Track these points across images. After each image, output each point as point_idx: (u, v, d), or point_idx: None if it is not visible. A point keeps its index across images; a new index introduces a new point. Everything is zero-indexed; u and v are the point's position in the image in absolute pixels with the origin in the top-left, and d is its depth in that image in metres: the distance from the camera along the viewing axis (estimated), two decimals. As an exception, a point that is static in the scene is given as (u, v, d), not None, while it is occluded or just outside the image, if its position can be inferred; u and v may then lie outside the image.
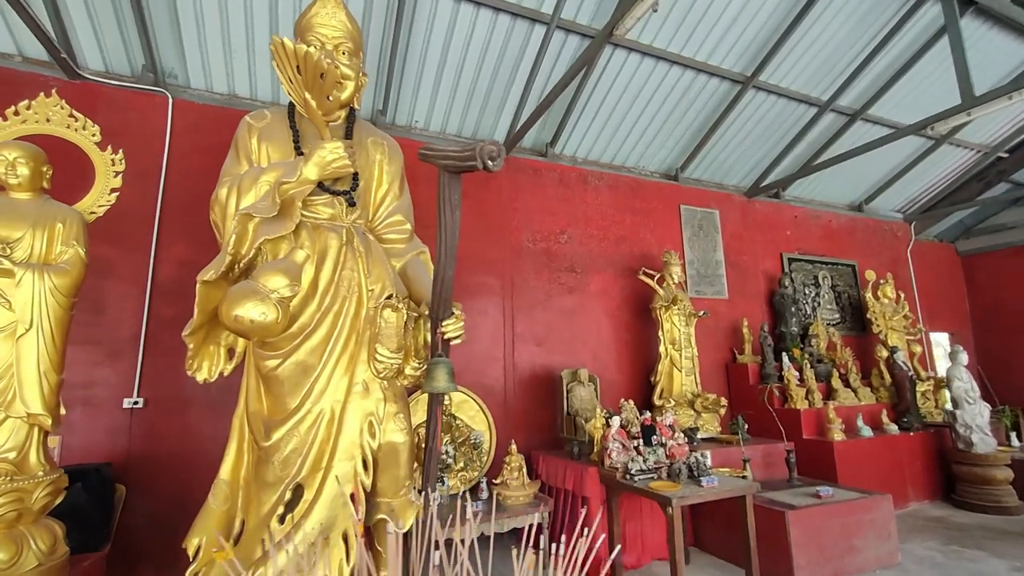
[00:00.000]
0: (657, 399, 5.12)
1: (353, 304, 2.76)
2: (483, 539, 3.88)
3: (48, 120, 2.54)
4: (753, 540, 3.27)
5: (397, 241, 3.11)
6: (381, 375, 2.63)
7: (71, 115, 2.60)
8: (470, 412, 4.56)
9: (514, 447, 4.11)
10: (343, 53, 2.86)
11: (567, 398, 4.65)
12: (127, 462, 3.48)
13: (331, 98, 2.77)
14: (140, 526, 3.43)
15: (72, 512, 2.81)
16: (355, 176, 2.89)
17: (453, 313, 2.61)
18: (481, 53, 4.70)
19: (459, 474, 4.24)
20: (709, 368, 5.99)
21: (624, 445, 3.64)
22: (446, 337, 2.59)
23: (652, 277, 5.37)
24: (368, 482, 2.52)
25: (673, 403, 4.97)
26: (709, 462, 3.62)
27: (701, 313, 5.19)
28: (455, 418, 4.39)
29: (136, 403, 3.62)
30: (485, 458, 4.40)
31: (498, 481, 3.98)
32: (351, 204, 2.85)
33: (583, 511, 1.79)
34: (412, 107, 5.01)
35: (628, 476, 3.44)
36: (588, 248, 5.62)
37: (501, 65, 4.83)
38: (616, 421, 3.71)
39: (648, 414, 3.84)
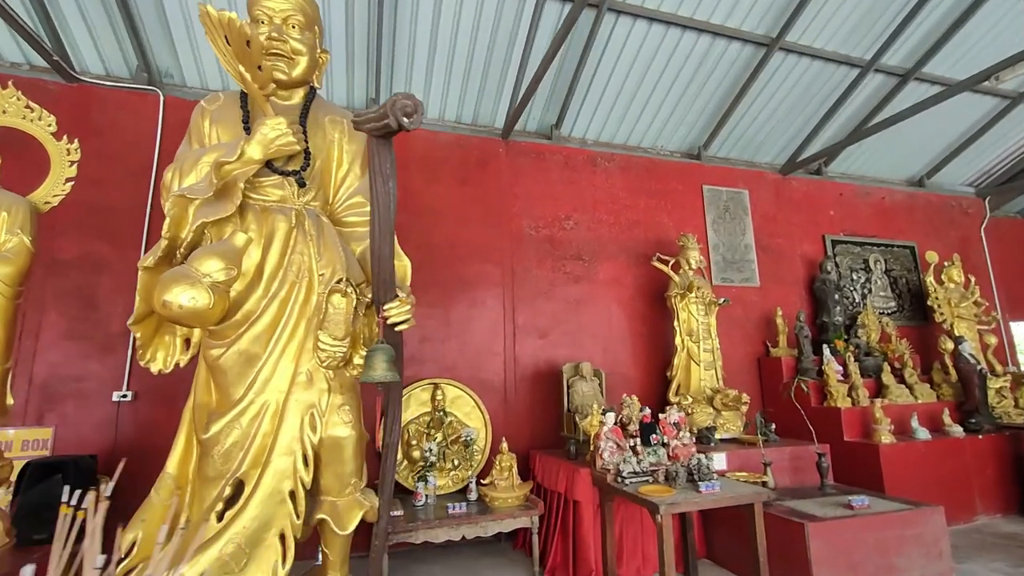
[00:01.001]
0: (673, 395, 4.69)
1: (303, 290, 2.61)
2: (468, 542, 3.64)
3: (4, 111, 2.55)
4: (763, 554, 2.84)
5: (358, 224, 2.94)
6: (325, 364, 2.46)
7: (27, 106, 2.62)
8: (465, 408, 4.35)
9: (505, 445, 3.85)
10: (292, 27, 2.72)
11: (568, 394, 4.34)
12: (114, 454, 3.53)
13: (279, 73, 2.63)
14: (120, 517, 3.45)
15: (48, 502, 2.83)
16: (307, 155, 2.74)
17: (397, 296, 2.40)
18: (473, 30, 4.48)
19: (451, 473, 4.03)
20: (738, 363, 5.47)
21: (619, 444, 3.30)
22: (389, 322, 2.38)
23: (667, 263, 4.94)
24: (308, 479, 2.35)
25: (691, 400, 4.53)
26: (714, 465, 3.20)
27: (722, 301, 4.71)
28: (446, 414, 4.19)
29: (125, 396, 3.67)
30: (480, 457, 4.17)
31: (486, 482, 3.74)
32: (301, 185, 2.70)
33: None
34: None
35: (619, 479, 3.10)
36: (596, 234, 5.26)
37: (495, 43, 4.58)
38: (611, 418, 3.37)
39: (647, 411, 3.47)
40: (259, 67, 2.47)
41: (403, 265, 3.13)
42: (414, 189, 4.75)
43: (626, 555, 3.41)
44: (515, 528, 3.50)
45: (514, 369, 4.70)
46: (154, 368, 2.61)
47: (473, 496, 3.76)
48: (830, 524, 2.99)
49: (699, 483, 2.89)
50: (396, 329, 2.38)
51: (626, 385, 5.01)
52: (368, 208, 2.96)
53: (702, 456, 3.20)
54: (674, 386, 4.73)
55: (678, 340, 4.77)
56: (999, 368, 5.70)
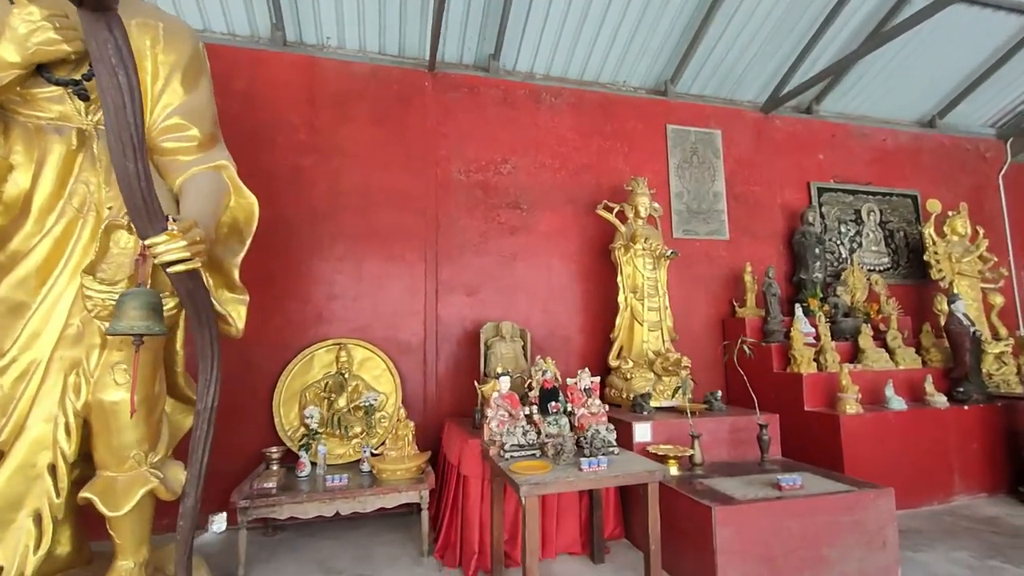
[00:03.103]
0: (614, 359, 4.21)
1: (88, 227, 2.17)
2: (379, 515, 3.29)
3: None
4: (655, 542, 2.40)
5: (178, 151, 2.45)
6: (95, 314, 2.03)
7: None
8: (375, 371, 3.96)
9: (402, 412, 3.45)
10: None
11: (485, 356, 3.88)
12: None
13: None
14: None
15: None
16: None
17: (164, 228, 1.93)
18: (377, -62, 3.84)
19: (353, 442, 3.67)
20: (701, 325, 4.93)
21: (511, 413, 2.85)
22: (158, 261, 1.92)
23: (612, 211, 4.35)
24: (70, 450, 1.97)
25: (631, 364, 4.04)
26: (614, 436, 2.73)
27: (669, 252, 4.13)
28: (348, 377, 3.80)
29: None
30: (387, 423, 3.79)
31: (378, 452, 3.36)
32: (83, 98, 2.21)
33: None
34: (318, 21, 4.26)
35: (502, 452, 2.66)
36: (538, 180, 4.68)
37: (406, -48, 3.93)
38: (504, 383, 2.91)
39: (548, 375, 3.00)
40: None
41: (247, 204, 2.68)
42: (321, 127, 4.23)
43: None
44: (402, 503, 3.13)
45: (435, 330, 4.25)
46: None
47: (366, 467, 3.39)
48: (743, 508, 2.52)
49: (587, 459, 2.43)
50: (171, 271, 1.92)
51: (566, 348, 4.54)
52: (193, 132, 2.49)
53: (601, 427, 2.74)
54: (615, 348, 4.24)
55: (621, 297, 4.24)
56: (1002, 331, 5.03)
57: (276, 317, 3.94)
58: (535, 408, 2.96)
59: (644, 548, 3.06)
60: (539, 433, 2.84)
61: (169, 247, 1.88)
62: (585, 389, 3.03)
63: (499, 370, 3.38)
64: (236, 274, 2.63)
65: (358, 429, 3.67)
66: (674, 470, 3.08)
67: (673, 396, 3.57)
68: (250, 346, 3.84)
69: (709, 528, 2.47)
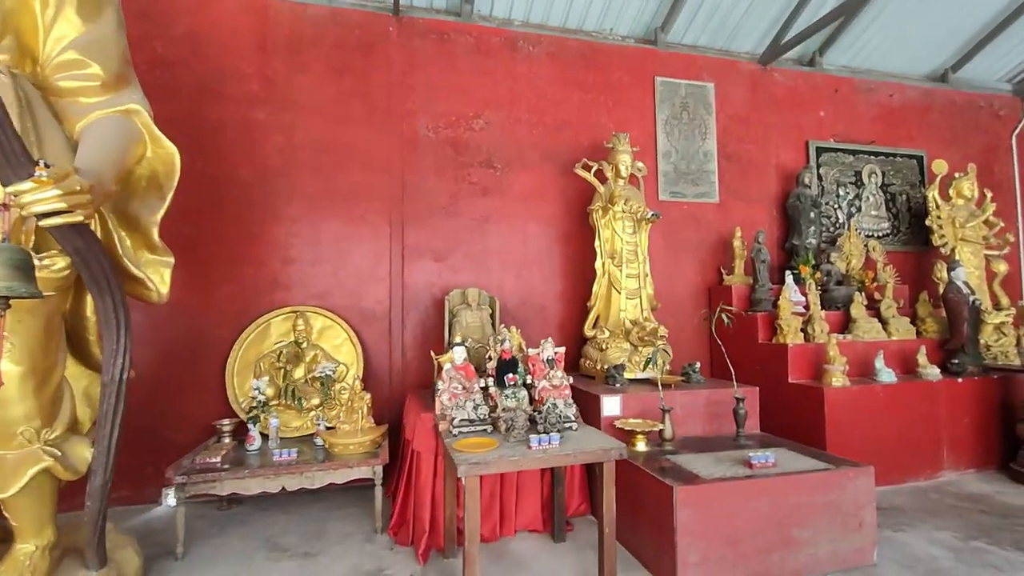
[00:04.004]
0: (589, 328, 3.98)
1: (-36, 178, 1.90)
2: (338, 489, 3.12)
3: None
4: (610, 524, 2.23)
5: (78, 92, 2.15)
6: (-34, 275, 1.79)
7: None
8: (335, 340, 3.75)
9: (358, 384, 3.26)
10: None
11: (450, 325, 3.66)
12: None
13: None
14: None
15: None
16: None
17: (32, 174, 1.67)
18: None
19: (310, 414, 3.49)
20: (687, 293, 4.69)
21: (464, 386, 2.64)
22: (25, 212, 1.67)
23: (591, 169, 4.04)
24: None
25: (608, 334, 3.82)
26: (573, 411, 2.53)
27: (651, 215, 3.84)
28: (304, 347, 3.59)
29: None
30: (347, 395, 3.59)
31: (331, 425, 3.18)
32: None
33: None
34: (268, -44, 3.86)
35: (451, 428, 2.47)
36: (514, 136, 4.35)
37: None
38: (459, 353, 2.69)
39: (506, 345, 2.77)
40: None
41: (166, 154, 2.40)
42: (274, 77, 3.89)
43: (481, 513, 2.85)
44: (354, 479, 2.96)
45: (402, 297, 4.02)
46: None
47: (320, 441, 3.22)
48: (707, 487, 2.33)
49: (536, 436, 2.23)
50: (45, 224, 1.67)
51: (542, 317, 4.32)
52: (95, 70, 2.19)
53: (559, 401, 2.53)
54: (592, 317, 4.00)
55: (598, 263, 3.98)
56: (1004, 301, 4.77)
57: (228, 283, 3.71)
58: (492, 380, 2.74)
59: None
60: (496, 407, 2.65)
61: (36, 196, 1.63)
62: (547, 360, 2.81)
63: (458, 339, 3.16)
64: (155, 232, 2.38)
65: (316, 401, 3.49)
66: (642, 445, 2.89)
67: (645, 368, 3.36)
68: (201, 313, 3.64)
69: (670, 508, 2.29)
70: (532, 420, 2.47)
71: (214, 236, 3.72)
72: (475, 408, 2.47)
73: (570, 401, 2.56)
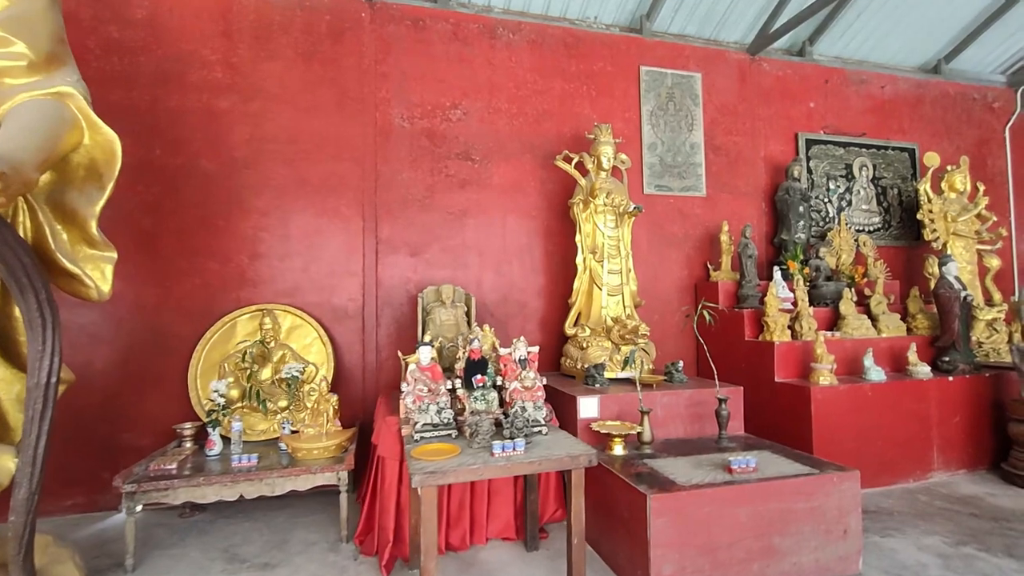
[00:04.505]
0: (570, 326, 3.85)
1: None
2: (309, 494, 2.95)
3: None
4: (578, 535, 2.10)
5: (2, 72, 2.00)
6: None
7: None
8: (304, 340, 3.60)
9: (324, 385, 3.11)
10: None
11: (424, 323, 3.52)
12: None
13: None
14: None
15: None
16: None
17: None
18: None
19: (276, 416, 3.34)
20: (672, 289, 4.56)
21: (430, 388, 2.49)
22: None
23: (572, 162, 3.90)
24: None
25: (588, 332, 3.68)
26: (543, 414, 2.40)
27: (632, 208, 3.70)
28: (269, 346, 3.44)
29: None
30: (316, 396, 3.44)
31: (296, 428, 3.04)
32: None
33: None
34: (233, -63, 3.68)
35: (413, 433, 2.32)
36: (493, 127, 4.19)
37: None
38: (424, 354, 2.54)
39: (476, 344, 2.63)
40: None
41: (105, 141, 2.24)
42: (240, 64, 3.71)
43: (450, 521, 2.72)
44: (316, 486, 2.82)
45: (375, 294, 3.87)
46: None
47: (284, 446, 3.08)
48: (683, 495, 2.20)
49: (500, 442, 2.09)
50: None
51: (522, 314, 4.18)
52: (19, 48, 2.02)
53: (529, 404, 2.39)
54: (572, 314, 3.87)
55: (579, 259, 3.85)
56: (997, 296, 4.67)
57: (192, 279, 3.55)
58: (460, 382, 2.60)
59: (588, 536, 2.79)
60: (463, 410, 2.51)
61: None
62: (520, 360, 2.67)
63: (427, 339, 3.02)
64: (93, 225, 2.22)
65: (283, 403, 3.34)
66: (619, 449, 2.76)
67: (624, 368, 3.23)
68: (163, 311, 3.48)
69: (643, 517, 2.16)
70: (500, 424, 2.33)
71: (176, 230, 3.55)
72: (439, 412, 2.33)
73: (540, 404, 2.42)
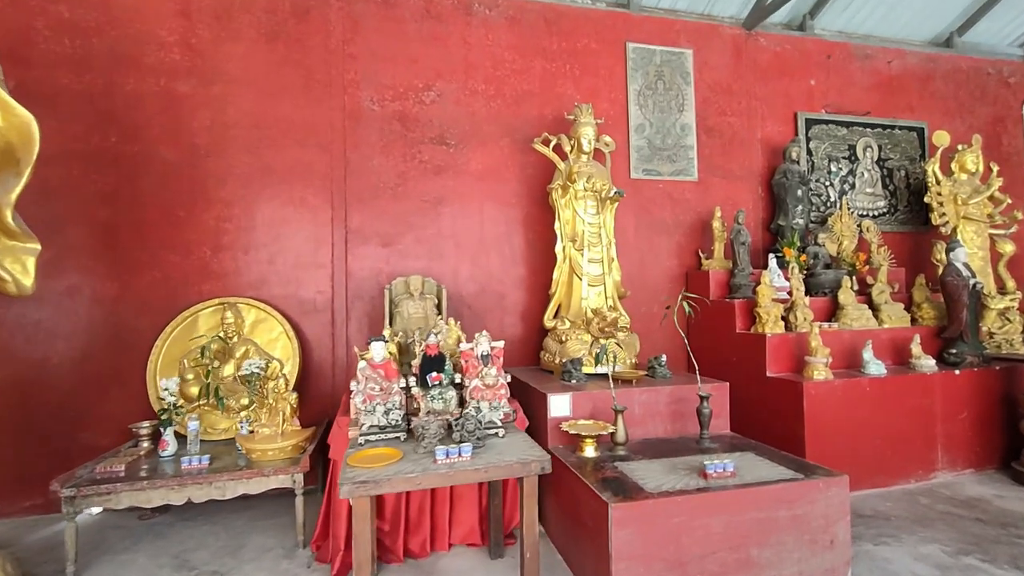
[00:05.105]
0: (549, 319, 3.65)
1: None
2: (241, 499, 2.82)
3: None
4: (531, 548, 1.92)
5: None
6: None
7: None
8: (270, 334, 3.45)
9: (282, 383, 2.95)
10: None
11: (391, 317, 3.35)
12: None
13: None
14: None
15: None
16: None
17: None
18: None
19: (240, 414, 3.20)
20: (660, 279, 4.34)
21: (382, 387, 2.32)
22: None
23: (551, 144, 3.68)
24: None
25: (568, 324, 3.49)
26: (499, 415, 2.21)
27: (613, 192, 3.48)
28: (229, 341, 3.29)
29: None
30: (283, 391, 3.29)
31: (251, 429, 2.89)
32: None
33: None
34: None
35: (359, 436, 2.16)
36: (469, 110, 3.98)
37: None
38: (377, 349, 2.37)
39: (433, 339, 2.45)
40: None
41: (20, 123, 2.08)
42: (199, 46, 3.54)
43: (410, 527, 2.56)
44: (271, 489, 2.67)
45: (345, 286, 3.70)
46: None
47: (240, 445, 2.93)
48: (650, 504, 2.01)
49: (443, 447, 1.91)
50: None
51: (500, 307, 4.00)
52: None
53: (484, 404, 2.22)
54: (552, 306, 3.67)
55: (559, 247, 3.64)
56: (1010, 284, 4.38)
57: (152, 272, 3.41)
58: (414, 380, 2.43)
59: (557, 541, 2.63)
60: (419, 411, 2.34)
61: None
62: (482, 355, 2.49)
63: (386, 332, 2.84)
64: (9, 215, 2.06)
65: (246, 401, 3.20)
66: (591, 451, 2.58)
67: (597, 364, 3.03)
68: (122, 305, 3.35)
69: (605, 527, 1.98)
70: (451, 426, 2.16)
71: (135, 221, 3.41)
72: (386, 413, 2.16)
73: (498, 403, 2.24)
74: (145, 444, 3.02)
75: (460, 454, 1.88)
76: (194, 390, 3.17)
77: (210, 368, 3.24)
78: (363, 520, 1.72)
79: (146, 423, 3.07)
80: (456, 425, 2.07)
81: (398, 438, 2.16)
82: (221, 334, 3.30)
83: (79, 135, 3.34)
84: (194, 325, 3.38)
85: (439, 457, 1.86)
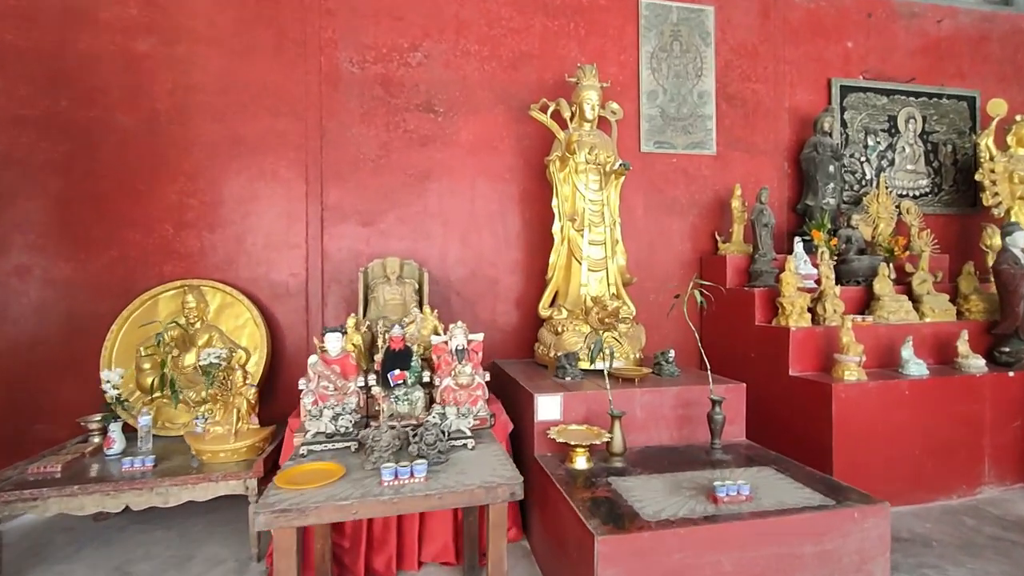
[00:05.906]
0: (545, 307, 3.28)
1: None
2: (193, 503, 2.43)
3: None
4: (500, 591, 1.58)
5: None
6: None
7: None
8: (237, 320, 3.16)
9: (239, 375, 2.64)
10: None
11: (366, 303, 3.01)
12: None
13: None
14: None
15: None
16: None
17: None
18: None
19: (200, 408, 2.91)
20: (672, 264, 3.93)
21: (337, 386, 1.99)
22: None
23: (548, 111, 3.27)
24: None
25: (566, 313, 3.12)
26: (468, 423, 1.87)
27: (619, 164, 3.07)
28: (184, 327, 3.00)
29: None
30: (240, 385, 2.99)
31: (203, 427, 2.60)
32: None
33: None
34: None
35: (302, 445, 1.83)
36: (460, 73, 3.58)
37: None
38: (332, 342, 2.04)
39: (398, 331, 2.11)
40: None
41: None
42: (160, 1, 3.18)
43: (373, 543, 2.26)
44: (217, 496, 2.38)
45: (321, 268, 3.37)
46: None
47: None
48: (644, 537, 1.66)
49: (390, 466, 1.57)
50: None
51: (493, 292, 3.64)
52: None
53: (450, 410, 1.87)
54: (549, 294, 3.31)
55: (556, 227, 3.26)
56: (1071, 274, 3.86)
57: (109, 251, 3.12)
58: (374, 378, 2.09)
59: (540, 557, 2.30)
60: (380, 414, 2.01)
61: None
62: (457, 350, 2.14)
63: (350, 321, 2.50)
64: None
65: (205, 394, 2.90)
66: (582, 462, 2.23)
67: (592, 360, 2.65)
68: (76, 288, 3.08)
69: (591, 561, 1.63)
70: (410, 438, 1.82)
71: (91, 194, 3.11)
72: (334, 419, 1.82)
73: (467, 409, 1.90)
74: (96, 439, 2.76)
75: (412, 474, 1.54)
76: (150, 381, 2.89)
77: (168, 357, 2.95)
78: (286, 556, 1.40)
79: (97, 416, 2.80)
80: (413, 437, 1.72)
81: (348, 447, 1.83)
82: (181, 320, 3.00)
83: (26, 98, 3.03)
84: (154, 309, 3.08)
85: (385, 478, 1.52)
